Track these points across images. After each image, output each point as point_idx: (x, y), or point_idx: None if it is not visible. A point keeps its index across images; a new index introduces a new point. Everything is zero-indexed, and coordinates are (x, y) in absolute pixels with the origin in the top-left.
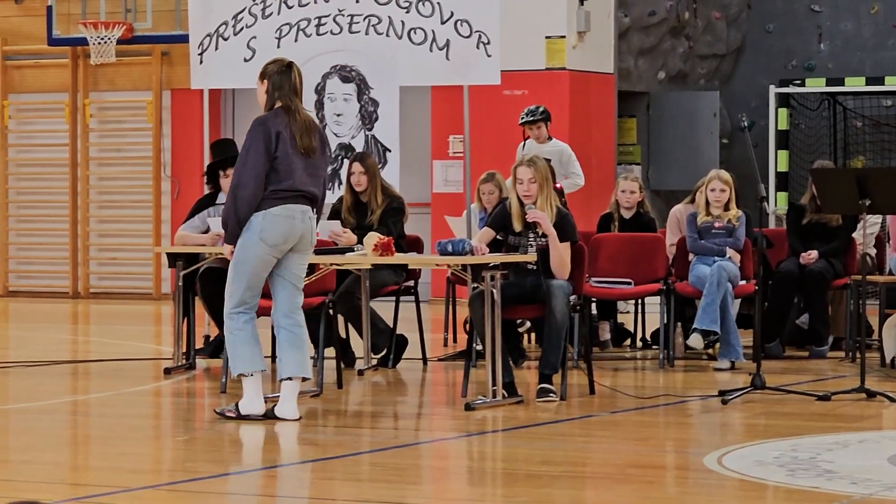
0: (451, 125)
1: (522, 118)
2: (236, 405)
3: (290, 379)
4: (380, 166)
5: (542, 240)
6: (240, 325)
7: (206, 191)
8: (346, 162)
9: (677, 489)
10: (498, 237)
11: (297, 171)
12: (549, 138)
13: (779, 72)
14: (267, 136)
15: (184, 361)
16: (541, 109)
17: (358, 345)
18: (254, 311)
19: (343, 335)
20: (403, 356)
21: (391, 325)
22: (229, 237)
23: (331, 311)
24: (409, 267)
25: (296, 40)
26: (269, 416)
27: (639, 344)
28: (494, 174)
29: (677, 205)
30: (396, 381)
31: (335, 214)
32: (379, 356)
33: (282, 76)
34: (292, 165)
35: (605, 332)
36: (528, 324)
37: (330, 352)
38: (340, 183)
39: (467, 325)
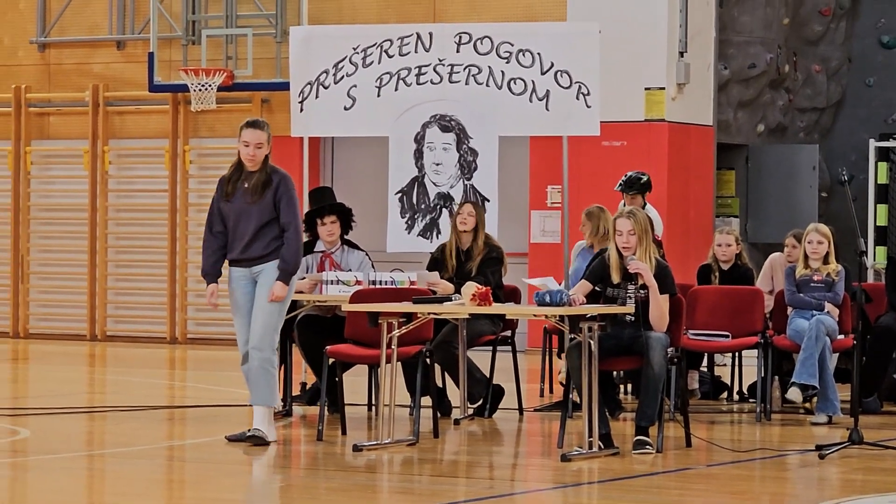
0: (549, 175)
1: (620, 185)
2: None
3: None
4: None
5: (641, 292)
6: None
7: (305, 238)
8: (444, 211)
9: None
10: (596, 289)
11: None
12: (644, 205)
13: (879, 125)
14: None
15: (281, 408)
16: (642, 181)
17: (454, 394)
18: None
19: (439, 384)
20: (500, 406)
21: (488, 375)
22: (290, 278)
23: (427, 360)
24: (507, 317)
25: (396, 89)
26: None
27: (735, 397)
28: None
29: (775, 253)
30: (492, 431)
31: (434, 262)
32: (475, 406)
33: None
34: None
35: (694, 382)
36: (620, 373)
37: (426, 401)
38: (439, 232)
39: (562, 375)
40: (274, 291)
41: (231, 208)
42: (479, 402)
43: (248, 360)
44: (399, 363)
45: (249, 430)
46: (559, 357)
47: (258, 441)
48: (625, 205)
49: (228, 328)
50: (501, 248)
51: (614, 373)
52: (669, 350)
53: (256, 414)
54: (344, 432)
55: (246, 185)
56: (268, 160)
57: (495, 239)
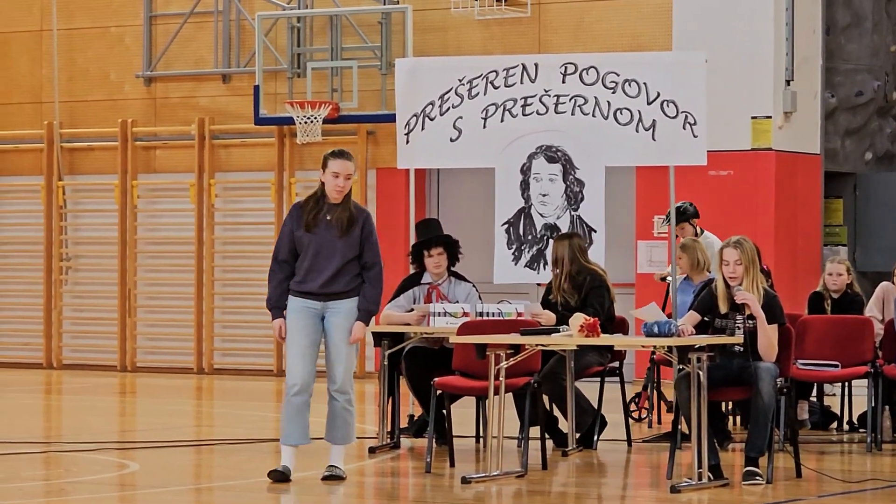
0: (655, 205)
1: (666, 220)
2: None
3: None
4: (586, 245)
5: (750, 322)
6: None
7: (412, 270)
8: (551, 242)
9: None
10: (704, 319)
11: None
12: (701, 232)
13: None
14: None
15: (388, 441)
16: (682, 209)
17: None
18: None
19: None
20: (607, 437)
21: (595, 407)
22: (371, 319)
23: (536, 392)
24: (615, 348)
25: (502, 120)
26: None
27: (845, 427)
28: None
29: (886, 282)
30: (601, 463)
31: (549, 293)
32: (579, 434)
33: None
34: None
35: (804, 412)
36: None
37: (535, 432)
38: (546, 264)
39: (632, 405)
40: (355, 333)
41: (312, 240)
42: (583, 432)
43: (305, 396)
44: (510, 394)
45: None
46: (645, 390)
47: (336, 478)
48: (677, 237)
49: None
50: (600, 273)
51: (723, 403)
52: (779, 380)
53: (336, 452)
54: (452, 464)
55: (328, 218)
56: (350, 194)
57: (596, 263)
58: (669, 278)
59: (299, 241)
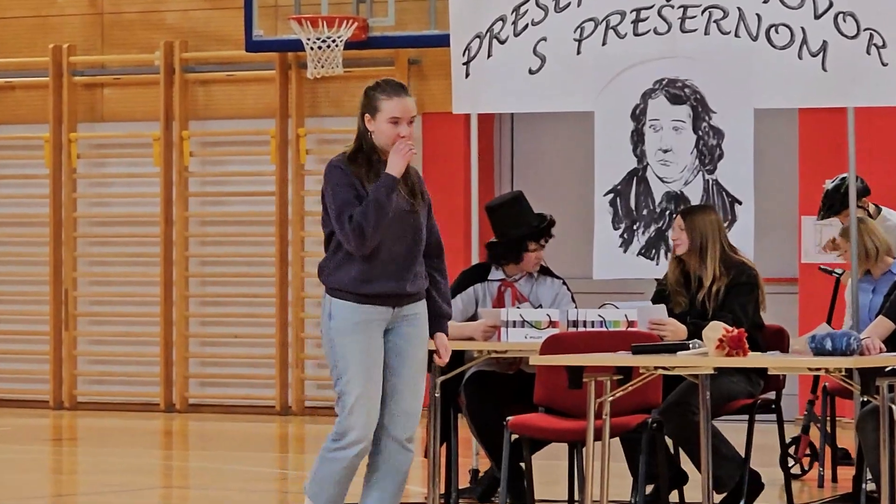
0: (828, 164)
1: (821, 213)
2: None
3: None
4: (725, 225)
5: None
6: None
7: (475, 260)
8: (679, 217)
9: None
10: None
11: None
12: (878, 212)
13: None
14: None
15: None
16: (841, 188)
17: (696, 479)
18: None
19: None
20: (760, 500)
21: (742, 454)
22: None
23: (655, 435)
24: (769, 372)
25: (603, 43)
26: None
27: None
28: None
29: None
30: None
31: (660, 296)
32: (723, 495)
33: None
34: None
35: None
36: None
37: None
38: (668, 250)
39: (795, 449)
40: (447, 348)
41: None
42: (729, 490)
43: (382, 450)
44: (618, 439)
45: None
46: (806, 433)
47: None
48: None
49: None
50: (752, 267)
51: None
52: None
53: None
54: None
55: None
56: None
57: (743, 254)
58: (839, 270)
59: None
